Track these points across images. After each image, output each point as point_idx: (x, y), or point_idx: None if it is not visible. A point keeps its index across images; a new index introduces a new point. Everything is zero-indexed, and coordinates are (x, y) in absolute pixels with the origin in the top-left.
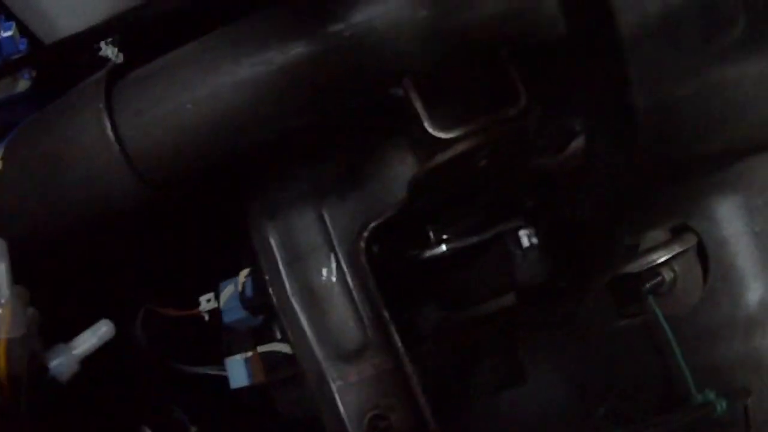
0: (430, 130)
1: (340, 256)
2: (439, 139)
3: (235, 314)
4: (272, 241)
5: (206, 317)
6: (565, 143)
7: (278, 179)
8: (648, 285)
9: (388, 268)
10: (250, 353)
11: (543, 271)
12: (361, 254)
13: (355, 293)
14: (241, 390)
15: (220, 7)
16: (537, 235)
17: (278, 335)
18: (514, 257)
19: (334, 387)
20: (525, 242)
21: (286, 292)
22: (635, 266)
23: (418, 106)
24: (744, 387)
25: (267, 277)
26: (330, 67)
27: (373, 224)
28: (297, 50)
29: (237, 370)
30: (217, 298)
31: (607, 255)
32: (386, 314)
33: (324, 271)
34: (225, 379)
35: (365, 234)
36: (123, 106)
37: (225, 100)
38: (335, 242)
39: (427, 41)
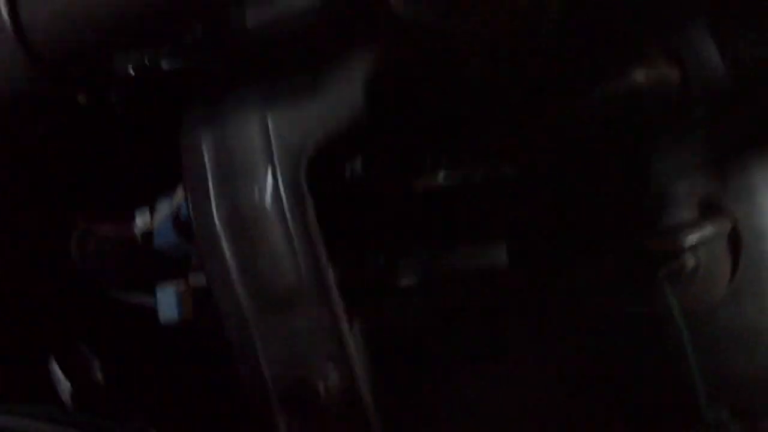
0: (397, 5)
1: (279, 175)
2: (411, 23)
3: (167, 238)
4: (204, 153)
5: (139, 239)
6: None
7: (220, 80)
8: (666, 270)
9: (353, 196)
10: (183, 285)
11: None
12: (302, 173)
13: (292, 225)
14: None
15: None
16: None
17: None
18: None
19: (257, 337)
20: None
21: (210, 213)
22: (655, 243)
23: None
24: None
25: (191, 195)
26: None
27: (320, 135)
28: None
29: (167, 302)
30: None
31: None
32: (323, 256)
33: (257, 192)
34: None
35: (310, 147)
36: None
37: None
38: (276, 158)
39: None
